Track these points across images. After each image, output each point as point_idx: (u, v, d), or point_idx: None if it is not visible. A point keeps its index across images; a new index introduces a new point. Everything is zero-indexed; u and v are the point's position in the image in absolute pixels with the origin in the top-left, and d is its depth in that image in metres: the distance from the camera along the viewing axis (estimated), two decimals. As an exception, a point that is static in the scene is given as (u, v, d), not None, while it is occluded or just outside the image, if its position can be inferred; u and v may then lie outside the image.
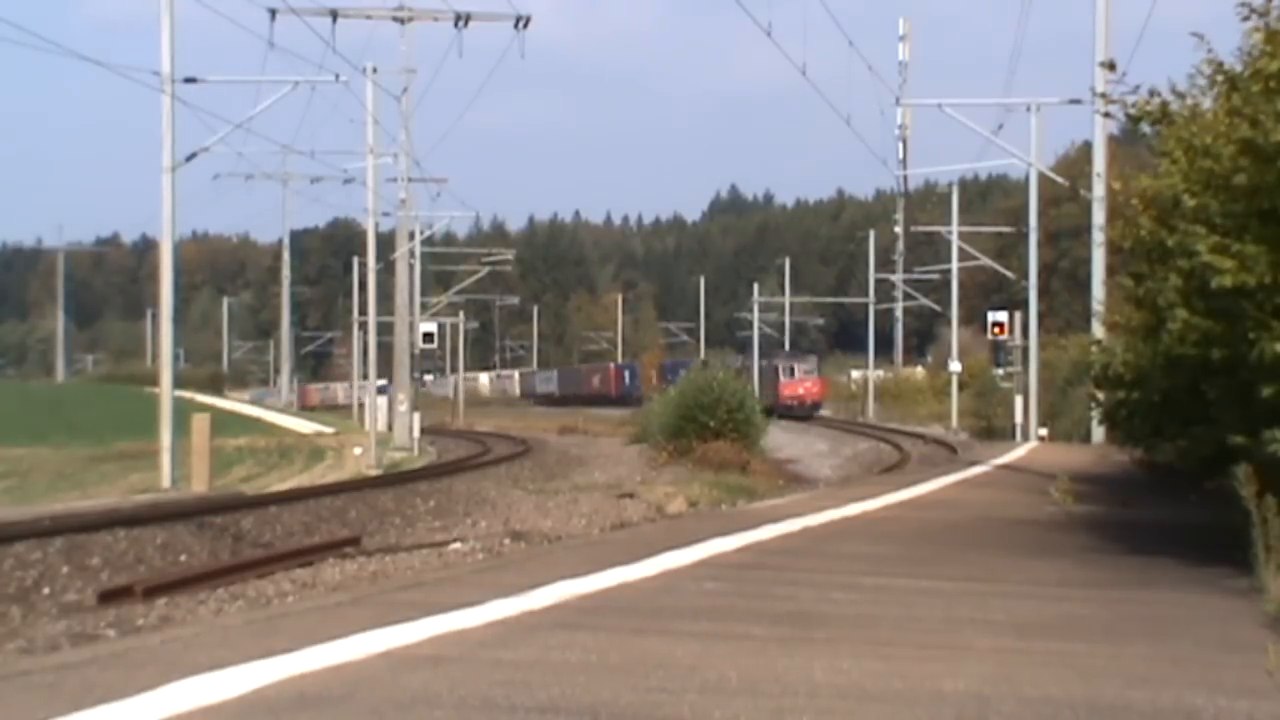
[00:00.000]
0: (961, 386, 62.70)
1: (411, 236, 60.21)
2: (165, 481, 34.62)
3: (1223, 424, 12.09)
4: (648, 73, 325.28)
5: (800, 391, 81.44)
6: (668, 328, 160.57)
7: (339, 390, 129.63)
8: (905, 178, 57.18)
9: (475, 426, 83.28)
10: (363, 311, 67.97)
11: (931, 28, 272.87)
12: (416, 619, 7.96)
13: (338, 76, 44.10)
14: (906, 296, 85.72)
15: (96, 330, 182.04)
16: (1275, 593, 9.32)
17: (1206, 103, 13.14)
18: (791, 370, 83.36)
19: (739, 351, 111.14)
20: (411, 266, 61.73)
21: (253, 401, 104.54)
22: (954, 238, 64.09)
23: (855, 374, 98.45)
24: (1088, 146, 47.59)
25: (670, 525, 18.30)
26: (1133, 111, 13.30)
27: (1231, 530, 10.86)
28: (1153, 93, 13.24)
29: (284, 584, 16.22)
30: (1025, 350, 49.21)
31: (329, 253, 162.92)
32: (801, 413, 76.57)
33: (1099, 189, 33.57)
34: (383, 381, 61.48)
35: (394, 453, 51.79)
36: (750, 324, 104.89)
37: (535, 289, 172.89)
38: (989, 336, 52.85)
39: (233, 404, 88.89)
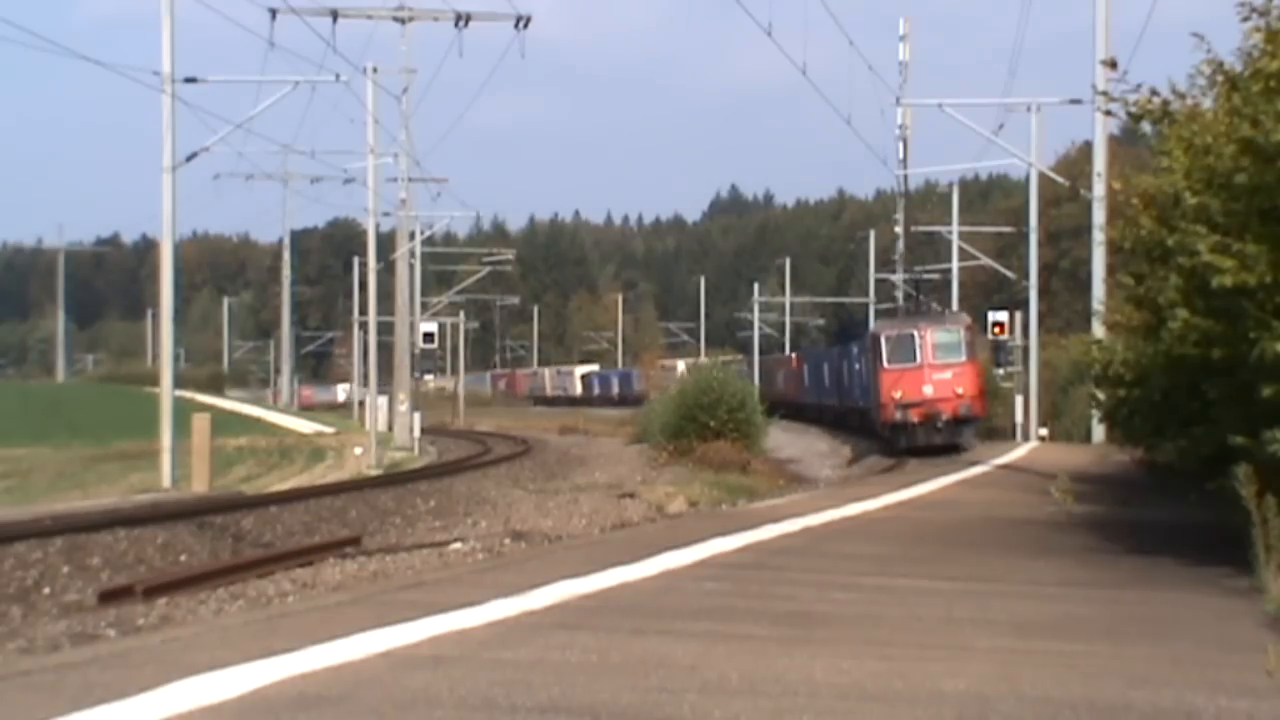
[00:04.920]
0: (962, 386, 62.50)
1: (411, 236, 60.24)
2: (165, 481, 34.63)
3: (1223, 424, 12.08)
4: (648, 72, 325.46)
5: (929, 393, 40.50)
6: (668, 328, 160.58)
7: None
8: (905, 177, 57.13)
9: (475, 426, 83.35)
10: (363, 311, 68.02)
11: (931, 28, 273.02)
12: (417, 619, 7.95)
13: (338, 76, 44.13)
14: (907, 296, 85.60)
15: (97, 330, 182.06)
16: (1275, 593, 9.31)
17: (1207, 103, 13.14)
18: (910, 346, 41.30)
19: (741, 350, 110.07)
20: (412, 266, 61.77)
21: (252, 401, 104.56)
22: (954, 237, 64.14)
23: None
24: (1088, 146, 47.61)
25: (670, 525, 18.29)
26: (1134, 110, 13.30)
27: (1231, 530, 10.86)
28: (1153, 92, 13.24)
29: (284, 584, 16.21)
30: (1025, 350, 49.24)
31: (329, 253, 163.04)
32: (934, 436, 40.06)
33: (1099, 189, 33.59)
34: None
35: (394, 452, 51.83)
36: (750, 324, 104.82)
37: (535, 289, 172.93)
38: (989, 336, 52.71)
39: (233, 404, 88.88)
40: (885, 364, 42.06)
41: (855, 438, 49.70)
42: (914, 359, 41.44)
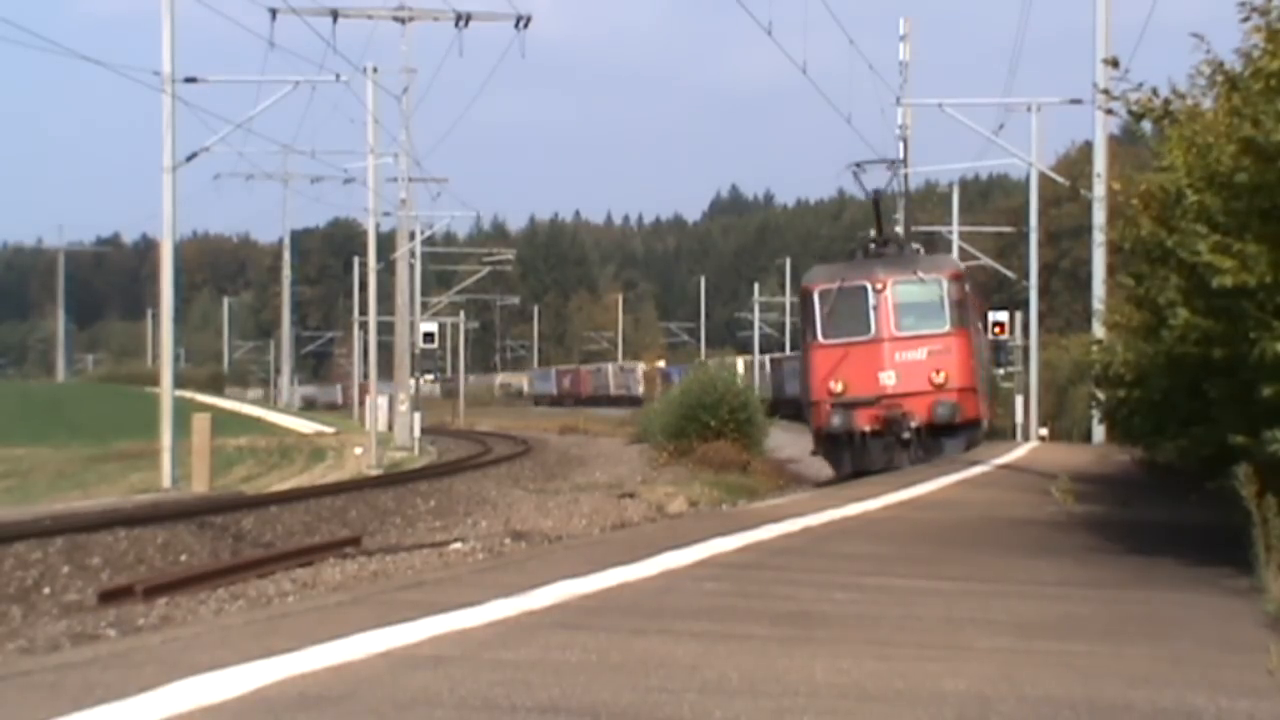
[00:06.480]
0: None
1: (412, 236, 60.24)
2: (166, 481, 34.65)
3: (1223, 424, 12.08)
4: (648, 71, 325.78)
5: (889, 384, 27.78)
6: (668, 328, 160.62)
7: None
8: (906, 177, 56.75)
9: (476, 426, 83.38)
10: (363, 311, 68.07)
11: (932, 27, 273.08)
12: (417, 619, 7.95)
13: (338, 76, 44.26)
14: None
15: (97, 330, 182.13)
16: (1276, 592, 9.31)
17: (1207, 103, 13.13)
18: (860, 307, 28.11)
19: (741, 350, 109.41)
20: (412, 266, 61.78)
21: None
22: (954, 237, 64.17)
23: None
24: (1088, 146, 47.64)
25: (671, 525, 18.29)
26: (1135, 109, 13.29)
27: (1231, 530, 10.86)
28: (1154, 92, 13.23)
29: (284, 584, 16.23)
30: (1026, 350, 49.23)
31: (329, 253, 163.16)
32: (899, 455, 27.64)
33: (1099, 189, 33.54)
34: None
35: (394, 452, 51.85)
36: (751, 324, 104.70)
37: (536, 289, 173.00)
38: (989, 336, 52.55)
39: (234, 404, 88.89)
40: (819, 336, 27.79)
41: None
42: (865, 328, 27.41)
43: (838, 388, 27.58)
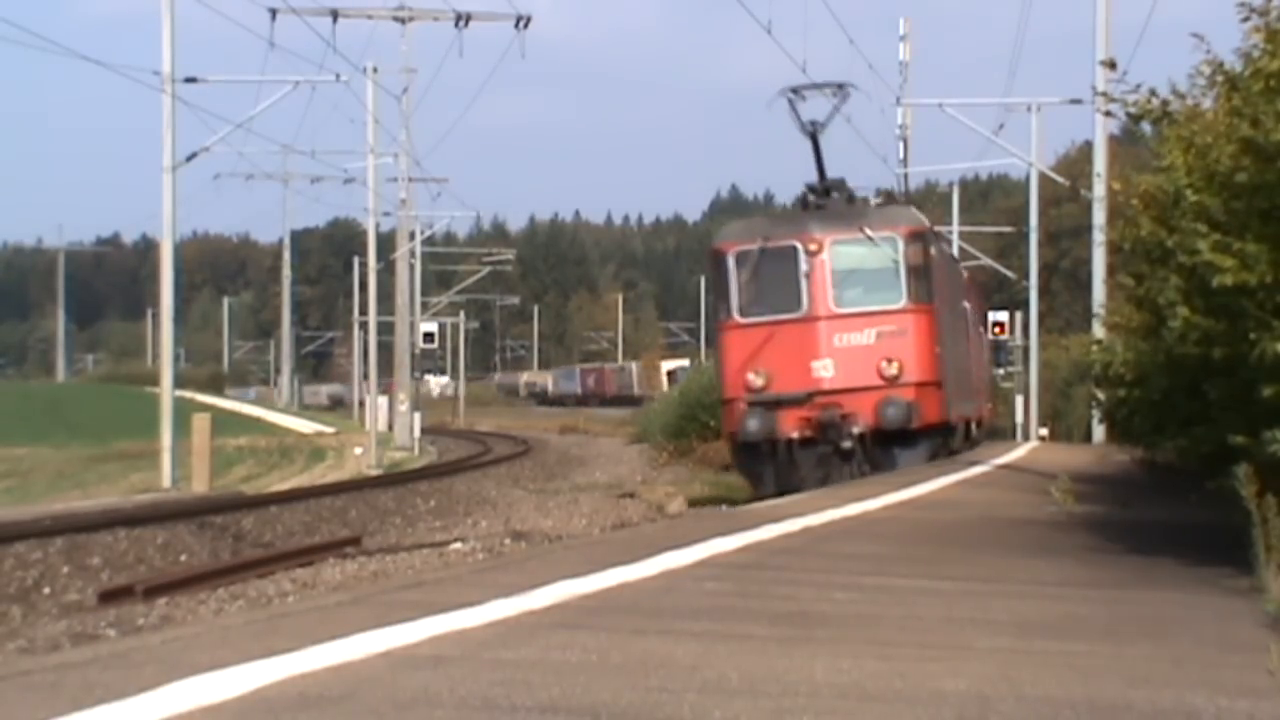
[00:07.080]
0: (962, 386, 62.44)
1: (412, 236, 60.27)
2: (166, 481, 34.67)
3: (1223, 423, 12.08)
4: (648, 71, 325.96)
5: (824, 377, 21.86)
6: (668, 328, 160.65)
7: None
8: (906, 177, 56.42)
9: (476, 426, 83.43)
10: (363, 311, 68.05)
11: (932, 27, 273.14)
12: (417, 619, 7.94)
13: (338, 76, 44.33)
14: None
15: (97, 330, 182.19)
16: (1276, 592, 9.31)
17: (1207, 103, 13.14)
18: (788, 274, 22.07)
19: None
20: (412, 266, 61.81)
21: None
22: (955, 237, 64.18)
23: None
24: (1088, 146, 47.66)
25: (670, 525, 18.29)
26: (1133, 110, 13.29)
27: (1232, 530, 10.86)
28: (1153, 93, 13.24)
29: (284, 584, 16.24)
30: (1026, 350, 49.23)
31: (329, 252, 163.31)
32: (839, 467, 22.02)
33: (1099, 189, 33.55)
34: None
35: (394, 452, 51.89)
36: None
37: (536, 289, 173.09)
38: (989, 336, 52.40)
39: (234, 404, 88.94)
40: (734, 313, 22.63)
41: None
42: (795, 302, 22.29)
43: (758, 381, 22.19)
